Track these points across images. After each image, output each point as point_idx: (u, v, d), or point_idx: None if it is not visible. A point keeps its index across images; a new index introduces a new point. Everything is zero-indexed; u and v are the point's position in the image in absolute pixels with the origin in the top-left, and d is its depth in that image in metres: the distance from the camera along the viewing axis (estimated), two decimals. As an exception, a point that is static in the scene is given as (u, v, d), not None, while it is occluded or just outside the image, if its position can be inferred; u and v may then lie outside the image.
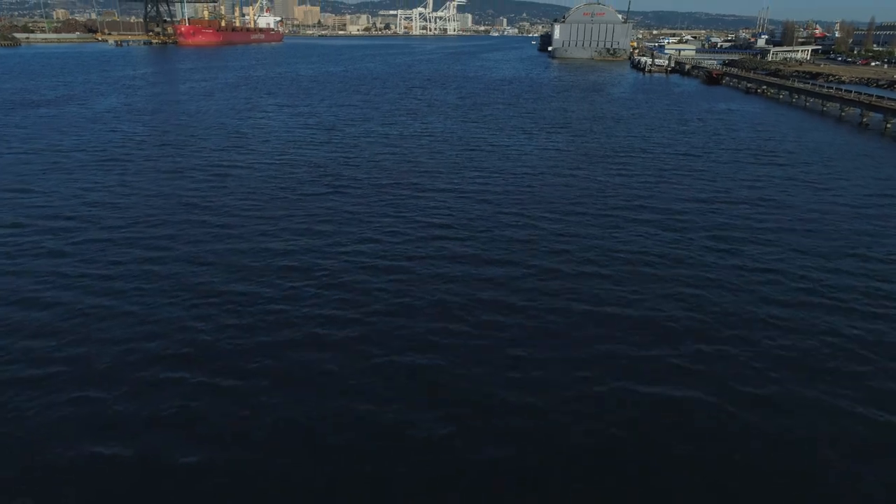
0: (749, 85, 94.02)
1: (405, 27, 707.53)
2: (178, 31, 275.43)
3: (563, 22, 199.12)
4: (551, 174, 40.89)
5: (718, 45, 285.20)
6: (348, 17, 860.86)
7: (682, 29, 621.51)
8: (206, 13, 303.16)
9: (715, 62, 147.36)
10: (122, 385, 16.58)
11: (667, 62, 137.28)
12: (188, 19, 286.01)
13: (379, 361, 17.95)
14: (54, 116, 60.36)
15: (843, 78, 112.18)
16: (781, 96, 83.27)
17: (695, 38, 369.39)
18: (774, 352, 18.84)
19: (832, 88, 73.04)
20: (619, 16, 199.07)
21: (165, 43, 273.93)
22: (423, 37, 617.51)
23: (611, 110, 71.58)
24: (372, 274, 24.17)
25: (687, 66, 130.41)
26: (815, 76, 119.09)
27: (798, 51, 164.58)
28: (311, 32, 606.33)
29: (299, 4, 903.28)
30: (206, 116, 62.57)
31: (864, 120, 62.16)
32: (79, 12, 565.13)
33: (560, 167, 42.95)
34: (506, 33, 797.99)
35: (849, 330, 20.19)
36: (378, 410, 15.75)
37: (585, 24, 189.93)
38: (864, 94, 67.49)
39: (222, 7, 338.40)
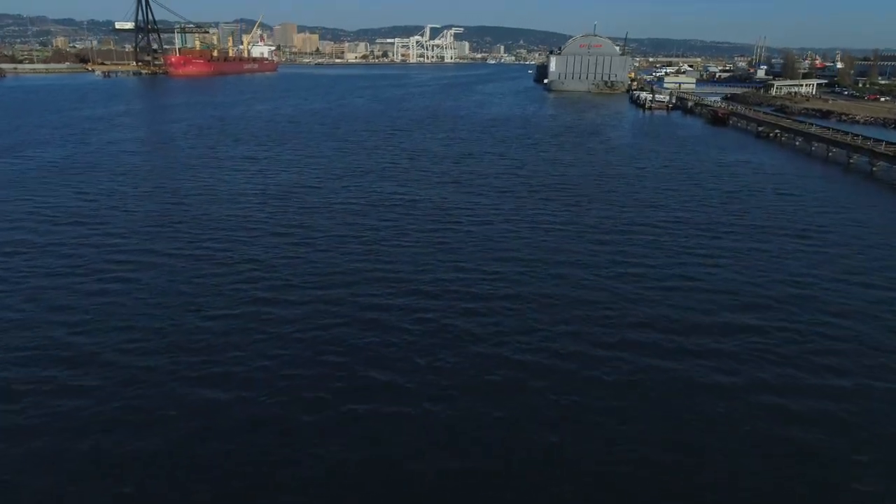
0: (760, 128, 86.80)
1: (402, 55, 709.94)
2: (168, 62, 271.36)
3: (560, 54, 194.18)
4: (542, 267, 32.77)
5: (717, 76, 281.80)
6: (346, 44, 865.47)
7: (678, 57, 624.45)
8: (197, 43, 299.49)
9: (717, 98, 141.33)
10: None
11: (668, 98, 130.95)
12: (178, 49, 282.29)
13: None
14: (-29, 176, 52.56)
15: (857, 117, 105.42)
16: (798, 143, 75.93)
17: (691, 66, 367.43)
18: None
19: (858, 137, 65.66)
20: (617, 48, 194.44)
21: (156, 73, 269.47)
22: (420, 65, 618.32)
23: (612, 164, 64.00)
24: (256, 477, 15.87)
25: (689, 103, 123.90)
26: (826, 114, 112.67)
27: (803, 84, 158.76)
28: (307, 61, 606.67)
29: (299, 32, 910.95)
30: (149, 175, 54.82)
31: (901, 178, 54.58)
32: (80, 40, 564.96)
33: (554, 255, 34.88)
34: (503, 61, 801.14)
35: None
36: None
37: (582, 57, 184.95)
38: (897, 145, 60.07)
39: (215, 37, 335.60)
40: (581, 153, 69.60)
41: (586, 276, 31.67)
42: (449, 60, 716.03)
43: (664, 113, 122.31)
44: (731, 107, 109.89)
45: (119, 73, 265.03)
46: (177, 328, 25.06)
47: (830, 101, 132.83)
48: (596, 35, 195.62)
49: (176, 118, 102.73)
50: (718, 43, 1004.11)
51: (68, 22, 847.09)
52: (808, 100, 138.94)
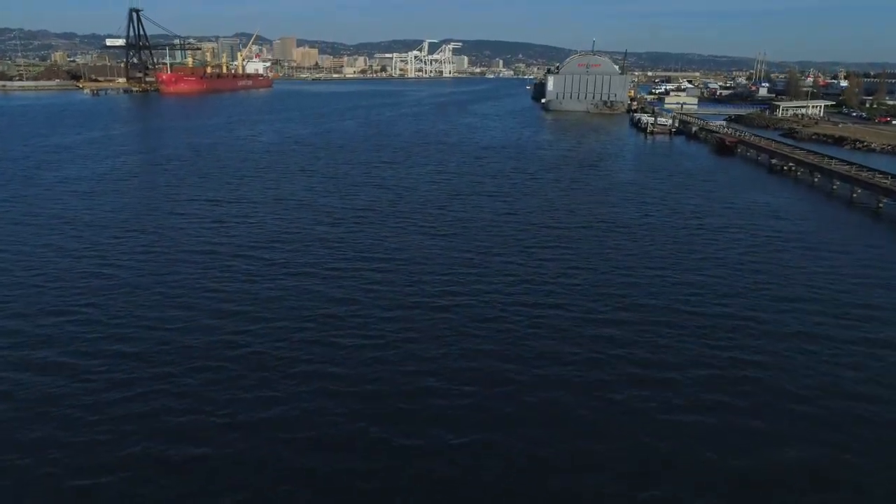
0: (774, 161, 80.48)
1: (401, 69, 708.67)
2: (160, 79, 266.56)
3: (557, 73, 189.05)
4: (528, 382, 26.07)
5: (718, 93, 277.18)
6: (346, 59, 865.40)
7: (676, 71, 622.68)
8: (190, 60, 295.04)
9: (721, 120, 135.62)
10: None
11: (670, 122, 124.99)
12: (170, 66, 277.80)
13: None
14: None
15: (872, 145, 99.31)
16: (817, 180, 69.53)
17: (691, 82, 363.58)
18: None
19: (887, 177, 59.24)
20: (616, 66, 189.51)
21: (147, 91, 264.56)
22: (418, 80, 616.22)
23: (614, 208, 57.49)
24: None
25: (693, 128, 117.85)
26: (838, 141, 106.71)
27: (809, 105, 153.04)
28: (305, 76, 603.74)
29: (298, 47, 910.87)
30: (87, 227, 48.20)
31: (943, 230, 48.05)
32: (81, 53, 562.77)
33: (549, 348, 28.22)
34: (501, 75, 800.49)
35: None
36: None
37: (580, 76, 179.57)
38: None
39: (208, 53, 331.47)
40: (580, 194, 63.11)
41: (586, 397, 24.90)
42: (447, 75, 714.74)
43: (666, 138, 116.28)
44: (738, 133, 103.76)
45: (109, 91, 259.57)
46: None
47: (841, 125, 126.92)
48: (594, 54, 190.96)
49: (148, 147, 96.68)
50: (716, 57, 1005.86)
51: (70, 36, 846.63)
52: (816, 123, 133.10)
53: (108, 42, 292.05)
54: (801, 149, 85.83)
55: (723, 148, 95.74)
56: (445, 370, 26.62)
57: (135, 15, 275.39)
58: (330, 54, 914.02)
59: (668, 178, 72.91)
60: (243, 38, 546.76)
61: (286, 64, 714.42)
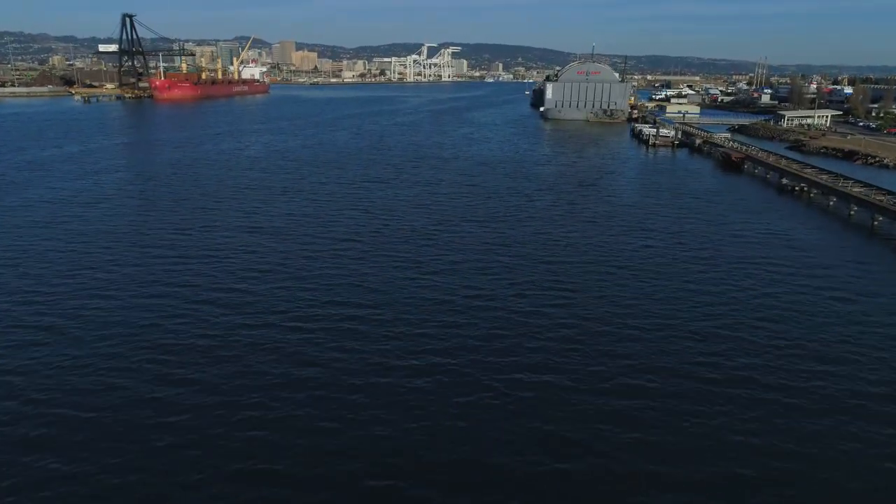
0: (784, 181, 76.00)
1: (399, 73, 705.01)
2: (153, 86, 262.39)
3: (556, 81, 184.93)
4: (520, 473, 21.58)
5: (720, 99, 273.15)
6: (345, 62, 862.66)
7: (675, 75, 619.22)
8: (184, 66, 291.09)
9: (726, 132, 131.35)
10: None
11: (673, 133, 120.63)
12: (164, 71, 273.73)
13: None
14: None
15: (885, 160, 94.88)
16: (831, 203, 65.07)
17: (691, 87, 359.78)
18: None
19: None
20: (616, 74, 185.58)
21: (140, 97, 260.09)
22: (417, 84, 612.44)
23: (611, 236, 53.04)
24: None
25: (697, 141, 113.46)
26: (848, 154, 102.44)
27: (815, 115, 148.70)
28: (302, 80, 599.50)
29: (297, 50, 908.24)
30: (29, 271, 43.51)
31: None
32: (81, 57, 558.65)
33: (543, 433, 23.73)
34: (501, 79, 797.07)
35: None
36: None
37: (580, 84, 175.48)
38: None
39: (203, 59, 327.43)
40: (579, 221, 58.58)
41: (585, 505, 20.43)
42: (446, 79, 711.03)
43: (669, 151, 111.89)
44: (745, 148, 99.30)
45: (101, 98, 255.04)
46: None
47: (849, 137, 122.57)
48: (594, 61, 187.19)
49: (126, 164, 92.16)
50: (716, 60, 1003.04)
51: (69, 39, 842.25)
52: (823, 134, 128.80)
53: (102, 48, 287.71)
54: (811, 166, 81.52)
55: (729, 164, 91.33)
56: (414, 467, 22.19)
57: (128, 20, 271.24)
58: (329, 58, 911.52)
59: (672, 200, 68.46)
60: (242, 41, 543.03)
61: (284, 68, 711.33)
